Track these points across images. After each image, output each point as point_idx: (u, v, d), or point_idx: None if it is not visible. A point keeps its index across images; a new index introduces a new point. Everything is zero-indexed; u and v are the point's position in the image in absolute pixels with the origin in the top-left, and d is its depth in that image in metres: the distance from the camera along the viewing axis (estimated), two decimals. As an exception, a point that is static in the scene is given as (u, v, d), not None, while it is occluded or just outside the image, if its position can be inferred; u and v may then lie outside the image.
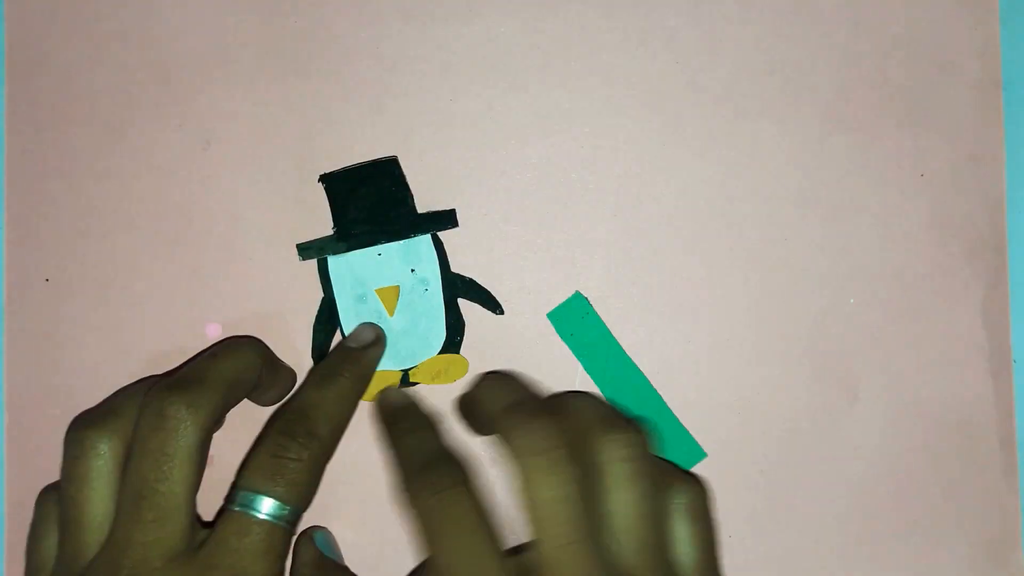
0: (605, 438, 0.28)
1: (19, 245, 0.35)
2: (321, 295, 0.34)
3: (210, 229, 0.34)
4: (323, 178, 0.34)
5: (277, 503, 0.28)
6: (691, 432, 0.34)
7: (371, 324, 0.34)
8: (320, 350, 0.34)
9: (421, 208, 0.34)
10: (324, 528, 0.34)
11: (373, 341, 0.33)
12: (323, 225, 0.34)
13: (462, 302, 0.34)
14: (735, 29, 0.34)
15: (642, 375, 0.34)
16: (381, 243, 0.34)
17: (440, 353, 0.34)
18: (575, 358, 0.34)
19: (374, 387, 0.34)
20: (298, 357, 0.34)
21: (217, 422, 0.30)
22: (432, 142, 0.34)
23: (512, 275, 0.34)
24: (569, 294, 0.34)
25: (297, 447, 0.29)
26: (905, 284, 0.34)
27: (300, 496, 0.29)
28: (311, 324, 0.34)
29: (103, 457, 0.28)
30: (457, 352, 0.34)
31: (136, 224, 0.35)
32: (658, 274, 0.34)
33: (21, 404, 0.35)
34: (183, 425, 0.28)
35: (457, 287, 0.34)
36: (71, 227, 0.35)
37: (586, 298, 0.34)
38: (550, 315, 0.34)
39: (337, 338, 0.34)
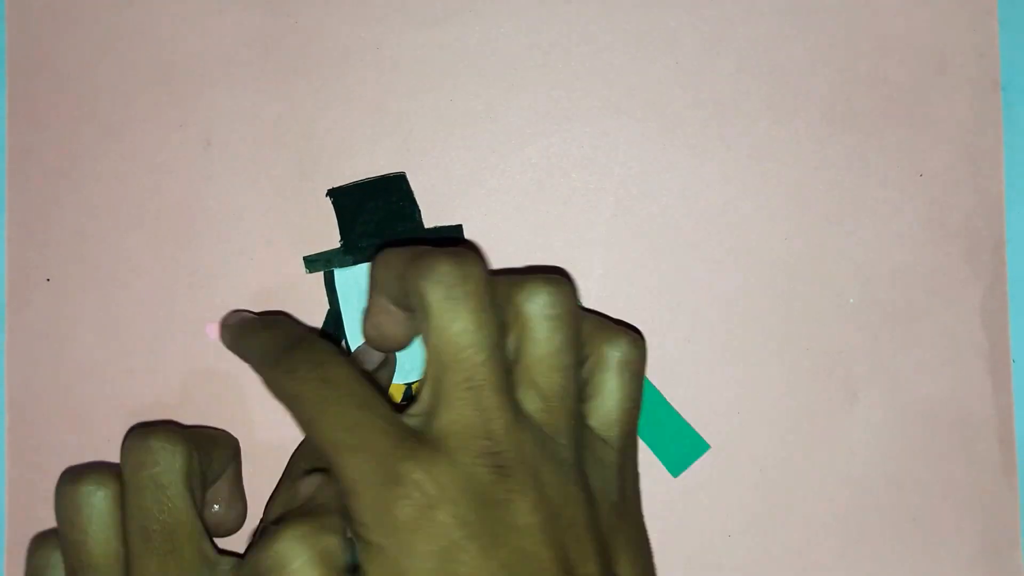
0: (528, 287, 0.27)
1: (20, 244, 0.35)
2: (323, 298, 0.34)
3: (211, 229, 0.34)
4: (331, 192, 0.34)
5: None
6: (691, 432, 0.34)
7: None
8: None
9: (426, 220, 0.34)
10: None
11: (383, 362, 0.33)
12: (324, 225, 0.34)
13: None
14: (734, 30, 0.34)
15: None
16: None
17: None
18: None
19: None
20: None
21: (203, 471, 0.30)
22: (432, 142, 0.34)
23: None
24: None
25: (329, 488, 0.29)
26: (904, 284, 0.34)
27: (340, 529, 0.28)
28: (313, 324, 0.34)
29: (100, 500, 0.28)
30: None
31: (137, 224, 0.35)
32: (658, 274, 0.34)
33: (22, 403, 0.35)
34: (168, 455, 0.28)
35: None
36: (72, 227, 0.35)
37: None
38: None
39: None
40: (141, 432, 0.29)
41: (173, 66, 0.35)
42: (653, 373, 0.34)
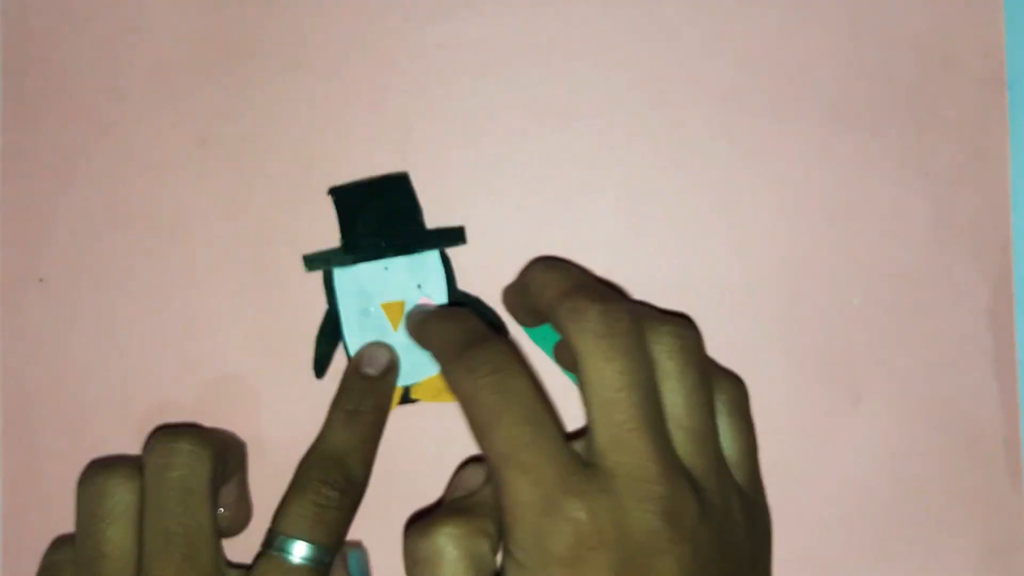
0: (661, 328, 0.28)
1: (13, 245, 0.35)
2: (320, 300, 0.34)
3: (206, 228, 0.34)
4: (332, 191, 0.34)
5: (314, 546, 0.29)
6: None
7: (383, 345, 0.33)
8: (322, 363, 0.34)
9: (426, 219, 0.34)
10: (359, 546, 0.33)
11: (388, 366, 0.33)
12: (321, 225, 0.34)
13: None
14: (738, 26, 0.34)
15: None
16: (388, 257, 0.34)
17: None
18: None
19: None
20: (297, 361, 0.34)
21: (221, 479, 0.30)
22: (430, 142, 0.34)
23: (512, 277, 0.34)
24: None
25: (339, 496, 0.29)
26: (909, 284, 0.34)
27: (337, 539, 0.29)
28: (310, 323, 0.34)
29: (126, 493, 0.29)
30: None
31: (131, 224, 0.34)
32: (659, 274, 0.34)
33: (16, 404, 0.34)
34: (197, 459, 0.29)
35: (463, 305, 0.34)
36: (65, 227, 0.34)
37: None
38: (531, 335, 0.34)
39: (339, 352, 0.34)
40: (170, 433, 0.29)
41: (167, 65, 0.34)
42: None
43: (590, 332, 0.27)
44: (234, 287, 0.34)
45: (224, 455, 0.30)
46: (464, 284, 0.34)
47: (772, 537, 0.30)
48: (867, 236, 0.34)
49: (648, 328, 0.28)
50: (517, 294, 0.32)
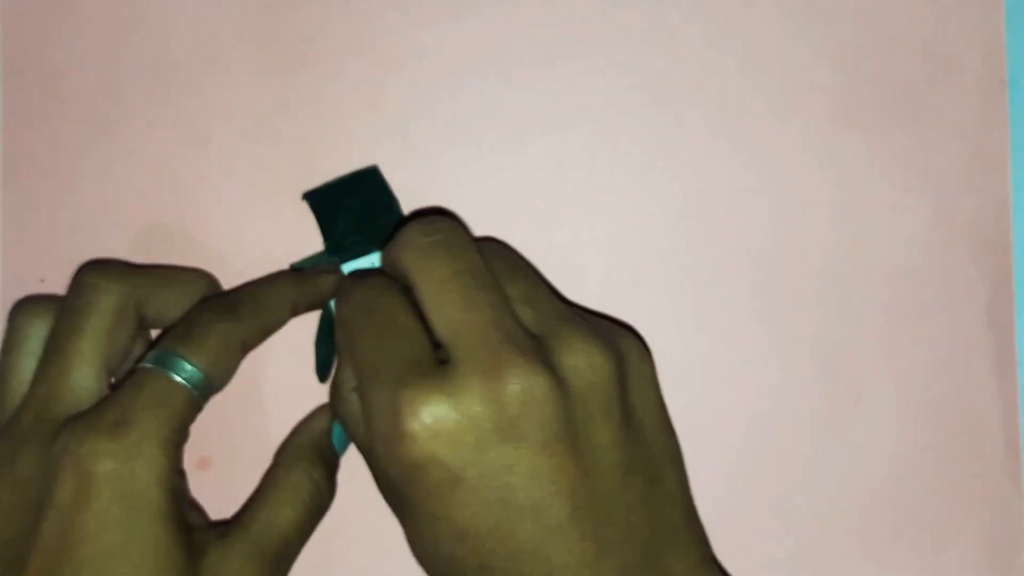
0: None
1: (14, 245, 0.35)
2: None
3: (206, 230, 0.34)
4: (306, 196, 0.34)
5: (180, 360, 0.28)
6: (692, 433, 0.34)
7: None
8: (324, 367, 0.33)
9: (414, 208, 0.34)
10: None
11: (327, 270, 0.33)
12: (322, 225, 0.34)
13: None
14: (737, 27, 0.34)
15: None
16: (373, 252, 0.34)
17: None
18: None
19: None
20: (299, 364, 0.34)
21: (156, 311, 0.30)
22: (431, 142, 0.34)
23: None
24: (569, 295, 0.34)
25: (211, 316, 0.29)
26: (909, 284, 0.34)
27: (207, 361, 0.28)
28: (311, 325, 0.34)
29: (35, 328, 0.30)
30: None
31: (131, 223, 0.34)
32: (659, 274, 0.34)
33: (15, 406, 0.34)
34: (99, 287, 0.29)
35: None
36: (66, 227, 0.34)
37: None
38: None
39: None
40: (86, 267, 0.30)
41: (169, 64, 0.35)
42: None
43: (413, 246, 0.28)
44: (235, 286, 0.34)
45: (156, 289, 0.30)
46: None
47: (652, 366, 0.29)
48: (867, 236, 0.34)
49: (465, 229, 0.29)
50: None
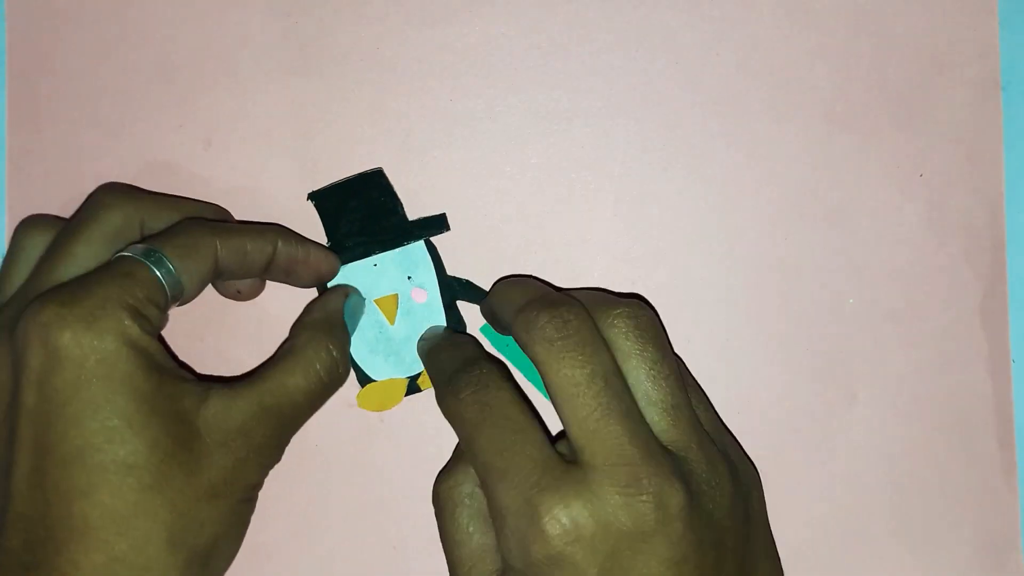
0: (613, 312, 0.28)
1: (20, 245, 0.35)
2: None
3: (211, 229, 0.34)
4: (312, 196, 0.34)
5: (149, 249, 0.28)
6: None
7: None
8: None
9: (418, 212, 0.34)
10: (357, 293, 0.33)
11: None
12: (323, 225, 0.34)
13: (463, 304, 0.34)
14: (734, 29, 0.34)
15: None
16: (375, 253, 0.34)
17: None
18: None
19: (381, 397, 0.34)
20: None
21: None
22: (432, 142, 0.34)
23: (509, 269, 0.34)
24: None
25: (191, 222, 0.30)
26: (904, 284, 0.34)
27: (176, 256, 0.29)
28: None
29: (36, 243, 0.30)
30: None
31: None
32: (657, 274, 0.34)
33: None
34: (104, 202, 0.30)
35: (455, 289, 0.34)
36: (72, 227, 0.35)
37: None
38: (482, 329, 0.34)
39: None
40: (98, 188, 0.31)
41: (173, 66, 0.35)
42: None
43: (542, 338, 0.27)
44: (238, 286, 0.34)
45: (155, 212, 0.31)
46: (461, 270, 0.34)
47: (762, 492, 0.30)
48: (862, 236, 0.34)
49: (600, 316, 0.28)
50: (488, 315, 0.33)
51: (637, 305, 0.28)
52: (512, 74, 0.34)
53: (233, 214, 0.34)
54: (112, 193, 0.31)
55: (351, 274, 0.34)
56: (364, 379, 0.34)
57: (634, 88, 0.34)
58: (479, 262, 0.34)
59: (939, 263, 0.34)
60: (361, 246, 0.34)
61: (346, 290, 0.33)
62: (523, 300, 0.29)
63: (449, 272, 0.34)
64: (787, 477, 0.34)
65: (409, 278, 0.34)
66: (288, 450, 0.34)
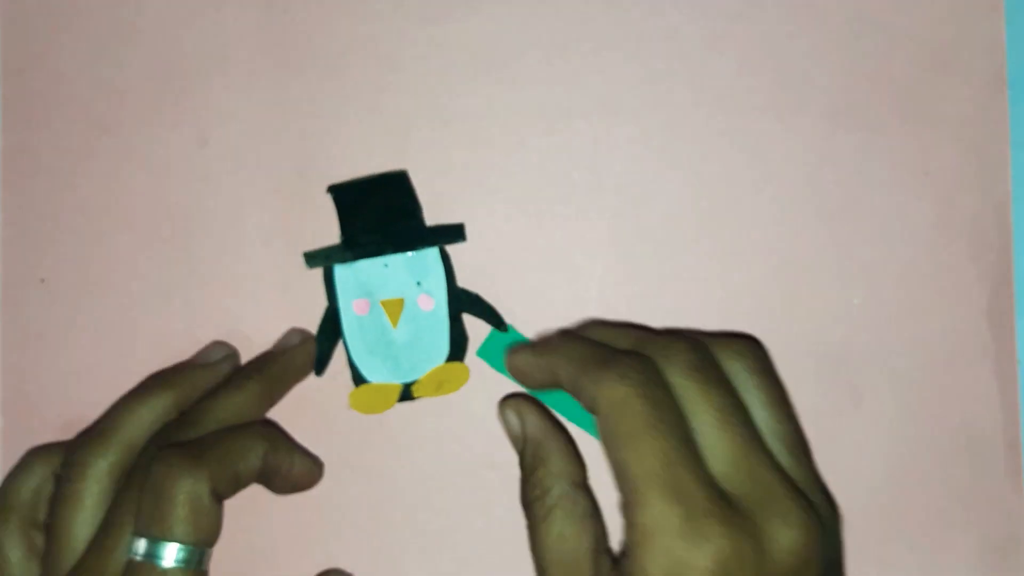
0: (732, 349, 0.28)
1: (14, 245, 0.35)
2: (322, 299, 0.34)
3: (207, 229, 0.34)
4: (331, 189, 0.34)
5: (180, 546, 0.27)
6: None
7: (299, 329, 0.34)
8: (322, 360, 0.34)
9: (427, 218, 0.34)
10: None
11: (298, 343, 0.33)
12: (322, 225, 0.34)
13: (466, 316, 0.34)
14: (737, 27, 0.34)
15: None
16: (388, 254, 0.34)
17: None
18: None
19: (373, 400, 0.34)
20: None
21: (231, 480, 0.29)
22: (431, 142, 0.34)
23: (511, 275, 0.34)
24: (569, 295, 0.34)
25: (192, 482, 0.27)
26: (909, 284, 0.34)
27: (204, 533, 0.27)
28: (309, 324, 0.34)
29: (96, 484, 0.29)
30: None
31: (132, 224, 0.34)
32: (659, 274, 0.34)
33: (17, 405, 0.34)
34: (177, 475, 0.27)
35: (462, 302, 0.34)
36: (66, 227, 0.34)
37: (509, 324, 0.34)
38: (479, 353, 0.34)
39: (340, 349, 0.34)
40: (160, 449, 0.28)
41: (168, 65, 0.35)
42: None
43: (686, 365, 0.27)
44: (234, 287, 0.34)
45: (229, 467, 0.28)
46: (464, 282, 0.34)
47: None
48: (867, 236, 0.34)
49: (719, 349, 0.28)
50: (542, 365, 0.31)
51: (751, 341, 0.28)
52: (512, 74, 0.34)
53: (227, 212, 0.34)
54: (178, 463, 0.27)
55: (360, 271, 0.34)
56: (358, 379, 0.34)
57: (634, 88, 0.34)
58: (478, 261, 0.34)
59: (945, 263, 0.34)
60: (374, 244, 0.33)
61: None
62: (634, 336, 0.28)
63: (457, 283, 0.34)
64: (791, 480, 0.34)
65: (418, 284, 0.33)
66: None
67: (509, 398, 0.32)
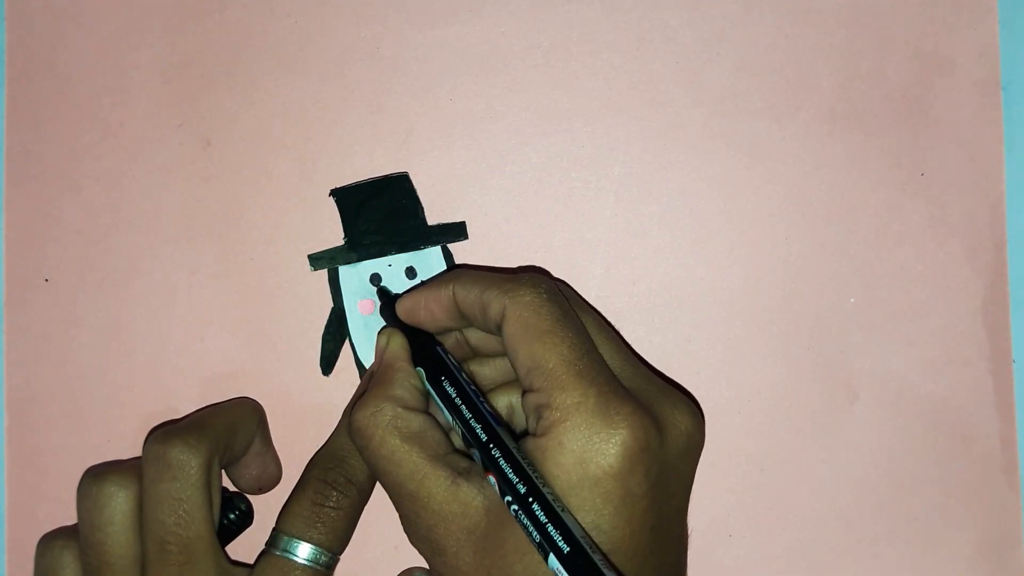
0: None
1: (19, 245, 0.35)
2: (324, 299, 0.34)
3: (210, 229, 0.34)
4: (333, 192, 0.34)
5: (316, 549, 0.29)
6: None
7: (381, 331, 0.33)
8: (328, 360, 0.34)
9: (429, 218, 0.34)
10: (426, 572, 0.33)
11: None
12: (324, 225, 0.34)
13: None
14: (735, 29, 0.34)
15: None
16: (391, 254, 0.34)
17: None
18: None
19: None
20: (300, 359, 0.34)
21: (226, 462, 0.31)
22: (432, 142, 0.34)
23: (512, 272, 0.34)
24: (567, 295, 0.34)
25: (337, 496, 0.30)
26: (905, 283, 0.34)
27: (338, 541, 0.30)
28: (312, 324, 0.34)
29: (121, 502, 0.29)
30: None
31: (136, 224, 0.34)
32: (658, 274, 0.34)
33: (21, 403, 0.34)
34: (187, 467, 0.29)
35: None
36: (71, 227, 0.35)
37: None
38: None
39: (346, 348, 0.34)
40: (160, 440, 0.29)
41: (172, 66, 0.35)
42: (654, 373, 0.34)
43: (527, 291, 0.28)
44: (238, 287, 0.34)
45: (228, 439, 0.31)
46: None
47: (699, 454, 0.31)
48: (863, 236, 0.34)
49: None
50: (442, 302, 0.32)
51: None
52: (512, 74, 0.34)
53: (232, 214, 0.34)
54: (187, 450, 0.30)
55: (364, 271, 0.34)
56: (359, 365, 0.34)
57: (634, 88, 0.34)
58: (479, 261, 0.34)
59: (940, 262, 0.34)
60: (377, 245, 0.34)
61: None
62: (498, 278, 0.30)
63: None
64: (788, 476, 0.34)
65: (422, 282, 0.34)
66: (288, 451, 0.34)
67: (388, 328, 0.32)
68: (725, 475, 0.34)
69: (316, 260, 0.34)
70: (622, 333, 0.34)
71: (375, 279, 0.34)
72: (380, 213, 0.34)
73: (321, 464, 0.31)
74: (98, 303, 0.34)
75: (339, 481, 0.30)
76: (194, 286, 0.34)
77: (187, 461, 0.29)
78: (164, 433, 0.30)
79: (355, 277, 0.34)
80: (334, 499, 0.30)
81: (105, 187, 0.35)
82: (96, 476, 0.30)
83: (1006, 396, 0.34)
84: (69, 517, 0.31)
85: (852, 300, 0.34)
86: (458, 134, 0.34)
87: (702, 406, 0.34)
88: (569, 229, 0.34)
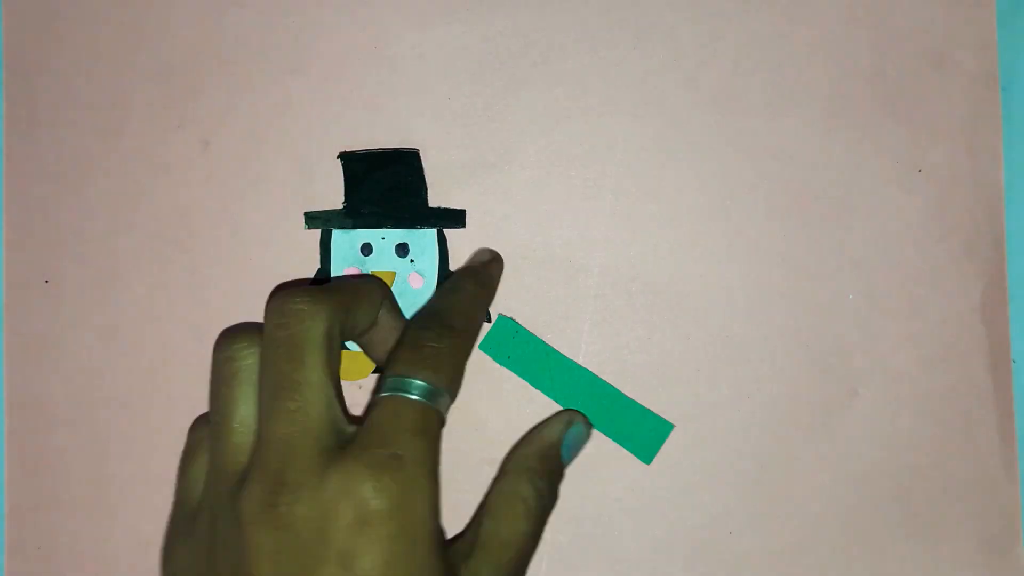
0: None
1: (18, 246, 0.35)
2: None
3: (209, 230, 0.34)
4: (342, 156, 0.34)
5: (426, 385, 0.28)
6: (691, 429, 0.34)
7: (487, 248, 0.34)
8: None
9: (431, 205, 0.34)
10: (584, 422, 0.33)
11: (490, 259, 0.34)
12: (323, 224, 0.34)
13: None
14: (733, 26, 0.34)
15: (588, 372, 0.34)
16: (387, 227, 0.34)
17: None
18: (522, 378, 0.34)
19: (350, 366, 0.34)
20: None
21: (351, 325, 0.30)
22: (431, 142, 0.34)
23: (510, 274, 0.34)
24: (567, 293, 0.34)
25: (435, 336, 0.29)
26: (903, 280, 0.34)
27: (448, 379, 0.29)
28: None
29: (245, 359, 0.29)
30: None
31: (135, 225, 0.35)
32: (657, 272, 0.34)
33: (21, 405, 0.35)
34: (307, 316, 0.28)
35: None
36: (70, 228, 0.35)
37: (511, 319, 0.34)
38: (482, 346, 0.34)
39: None
40: (285, 294, 0.29)
41: (171, 66, 0.35)
42: (652, 371, 0.34)
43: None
44: (238, 289, 0.34)
45: (351, 302, 0.30)
46: (453, 262, 0.34)
47: None
48: (862, 233, 0.34)
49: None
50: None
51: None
52: (512, 74, 0.34)
53: (231, 215, 0.34)
54: (309, 300, 0.29)
55: (356, 240, 0.34)
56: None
57: (634, 86, 0.34)
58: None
59: (939, 259, 0.34)
60: (375, 216, 0.34)
61: (571, 418, 0.33)
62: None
63: (450, 268, 0.34)
64: (787, 473, 0.34)
65: (412, 261, 0.34)
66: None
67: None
68: (723, 471, 0.34)
69: (312, 219, 0.34)
70: (621, 330, 0.34)
71: (366, 249, 0.34)
72: (384, 185, 0.34)
73: (417, 319, 0.31)
74: (99, 304, 0.34)
75: (433, 325, 0.30)
76: (193, 287, 0.34)
77: (309, 310, 0.28)
78: (289, 288, 0.29)
79: (347, 244, 0.34)
80: (432, 340, 0.29)
81: (104, 188, 0.35)
82: (229, 333, 0.30)
83: (1005, 392, 0.34)
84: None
85: (850, 297, 0.34)
86: (458, 134, 0.34)
87: (701, 404, 0.34)
88: (567, 227, 0.34)
